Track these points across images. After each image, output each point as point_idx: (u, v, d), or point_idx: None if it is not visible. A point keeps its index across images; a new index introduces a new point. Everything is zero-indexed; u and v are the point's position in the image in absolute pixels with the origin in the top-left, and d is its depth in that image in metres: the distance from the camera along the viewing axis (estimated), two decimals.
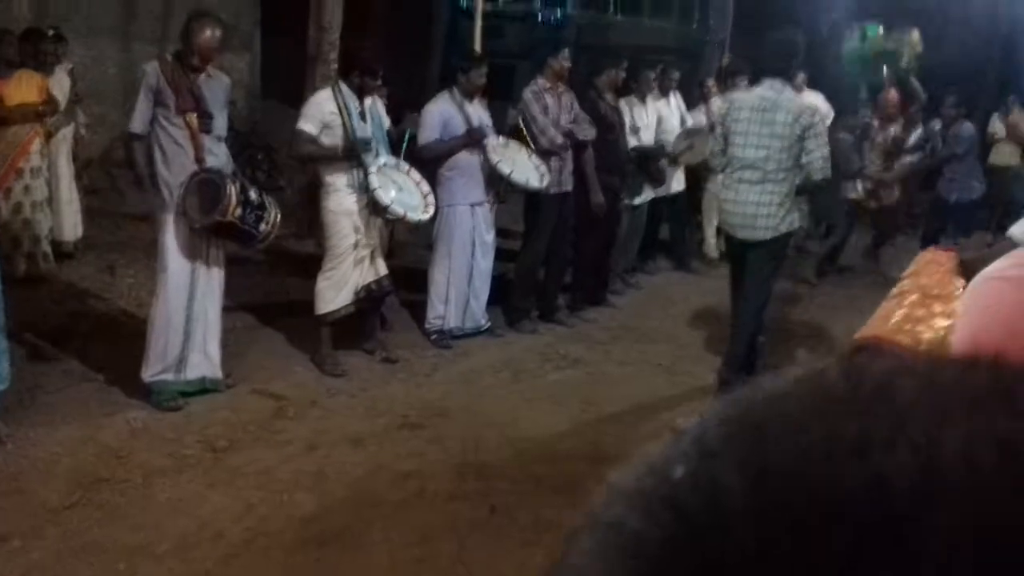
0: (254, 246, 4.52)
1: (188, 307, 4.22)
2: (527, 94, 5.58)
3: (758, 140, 4.51)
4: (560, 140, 5.55)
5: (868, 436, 0.27)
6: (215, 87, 4.22)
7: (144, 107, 4.05)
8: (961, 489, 0.26)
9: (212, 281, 4.30)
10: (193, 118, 4.09)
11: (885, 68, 7.63)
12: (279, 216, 4.29)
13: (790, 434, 0.29)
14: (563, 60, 5.61)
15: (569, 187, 5.71)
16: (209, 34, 4.06)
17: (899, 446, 0.27)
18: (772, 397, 0.31)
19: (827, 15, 9.90)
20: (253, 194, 4.18)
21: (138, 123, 4.08)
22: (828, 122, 6.07)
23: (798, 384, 0.31)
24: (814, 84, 7.68)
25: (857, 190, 7.42)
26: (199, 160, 4.10)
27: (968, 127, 7.96)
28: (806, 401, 0.30)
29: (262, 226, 4.19)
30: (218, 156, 4.19)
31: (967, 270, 2.25)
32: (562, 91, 5.65)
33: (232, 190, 4.02)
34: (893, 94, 7.39)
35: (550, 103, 5.56)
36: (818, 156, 4.47)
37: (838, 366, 0.31)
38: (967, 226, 8.24)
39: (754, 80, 5.67)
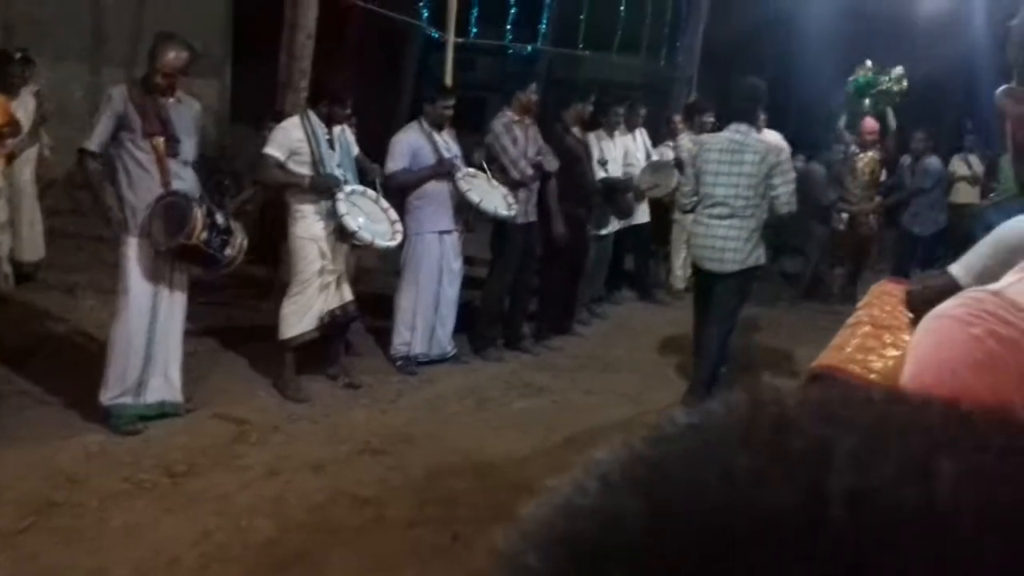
0: (219, 271, 4.43)
1: (149, 330, 4.18)
2: (498, 126, 5.63)
3: (727, 179, 4.78)
4: (530, 172, 5.62)
5: (759, 473, 0.28)
6: (184, 112, 4.20)
7: (105, 128, 4.01)
8: (841, 528, 0.27)
9: (175, 304, 4.27)
10: (160, 142, 4.06)
11: (869, 100, 7.81)
12: (246, 241, 4.26)
13: (689, 469, 0.30)
14: (531, 93, 5.69)
15: (535, 217, 5.77)
16: (173, 55, 4.04)
17: (787, 484, 0.28)
18: (679, 431, 0.32)
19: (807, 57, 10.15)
20: (220, 218, 4.14)
21: (94, 142, 4.02)
22: None
23: (705, 418, 0.32)
24: (774, 125, 7.85)
25: (841, 219, 7.63)
26: (165, 184, 4.07)
27: (935, 161, 8.16)
28: (709, 436, 0.31)
29: (227, 251, 4.15)
30: (185, 180, 4.16)
31: (911, 302, 2.32)
32: (529, 123, 5.72)
33: (198, 213, 4.00)
34: (870, 122, 7.59)
35: (518, 135, 5.63)
36: (784, 192, 4.77)
37: (746, 402, 0.32)
38: (930, 258, 8.42)
39: (719, 118, 5.85)
